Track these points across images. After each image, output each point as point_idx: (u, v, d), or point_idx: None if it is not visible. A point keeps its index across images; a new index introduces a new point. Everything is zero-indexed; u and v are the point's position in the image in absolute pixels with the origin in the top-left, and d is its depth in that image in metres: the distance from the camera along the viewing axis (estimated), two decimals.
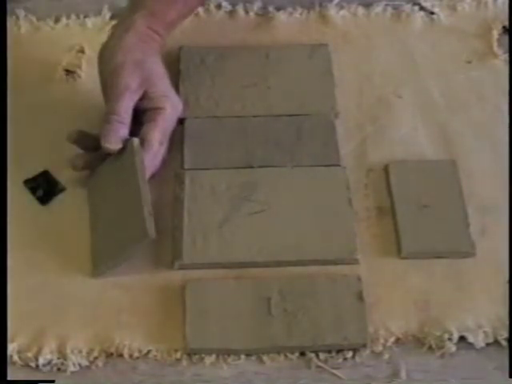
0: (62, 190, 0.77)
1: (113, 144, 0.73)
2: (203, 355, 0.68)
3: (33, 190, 0.77)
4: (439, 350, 0.68)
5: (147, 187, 0.71)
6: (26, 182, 0.77)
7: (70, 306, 0.70)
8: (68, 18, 0.91)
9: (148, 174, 0.74)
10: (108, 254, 0.71)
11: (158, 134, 0.74)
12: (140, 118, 0.75)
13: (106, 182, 0.75)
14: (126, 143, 0.73)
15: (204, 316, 0.69)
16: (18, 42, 0.86)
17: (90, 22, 0.90)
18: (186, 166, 0.78)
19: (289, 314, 0.69)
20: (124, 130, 0.73)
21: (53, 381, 0.66)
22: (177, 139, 0.80)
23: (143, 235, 0.68)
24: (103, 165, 0.75)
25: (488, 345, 0.69)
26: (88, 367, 0.67)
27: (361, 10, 0.91)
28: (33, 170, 0.78)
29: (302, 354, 0.68)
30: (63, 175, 0.78)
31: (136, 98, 0.75)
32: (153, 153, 0.74)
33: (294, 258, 0.72)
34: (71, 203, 0.77)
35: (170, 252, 0.73)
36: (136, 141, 0.72)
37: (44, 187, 0.77)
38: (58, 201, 0.77)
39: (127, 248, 0.70)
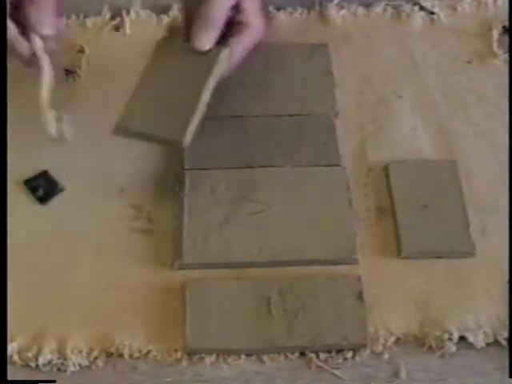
0: (62, 190, 0.77)
1: (203, 44, 0.72)
2: (203, 355, 0.68)
3: (33, 190, 0.77)
4: (439, 350, 0.68)
5: (207, 97, 0.71)
6: (26, 182, 0.77)
7: (70, 306, 0.70)
8: (68, 18, 0.90)
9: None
10: (140, 121, 0.70)
11: (242, 50, 0.74)
12: (227, 30, 0.74)
13: (172, 69, 0.74)
14: (214, 48, 0.73)
15: (204, 316, 0.69)
16: None
17: (90, 22, 0.90)
18: (186, 166, 0.78)
19: (289, 314, 0.69)
20: (216, 32, 0.73)
21: (53, 381, 0.66)
22: None
23: (178, 139, 0.69)
24: (176, 52, 0.74)
25: (488, 345, 0.69)
26: (88, 367, 0.68)
27: (361, 10, 0.91)
28: (33, 170, 0.78)
29: (302, 353, 0.68)
30: (63, 175, 0.78)
31: (231, 2, 0.74)
32: (233, 66, 0.74)
33: (294, 258, 0.72)
34: (71, 203, 0.77)
35: (170, 252, 0.73)
36: (226, 50, 0.73)
37: (44, 187, 0.77)
38: (58, 201, 0.77)
39: (158, 133, 0.69)
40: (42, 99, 0.74)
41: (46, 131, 0.74)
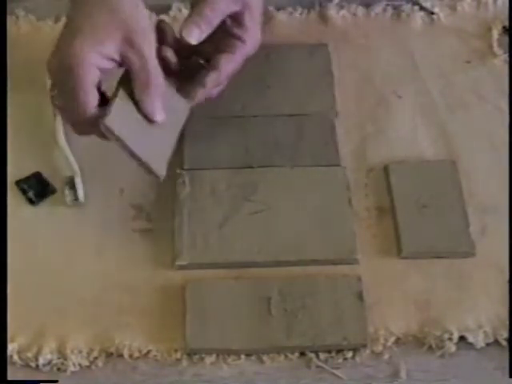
0: (53, 191, 0.77)
1: (191, 36, 0.70)
2: (203, 355, 0.68)
3: (24, 191, 0.76)
4: (439, 350, 0.68)
5: (177, 135, 0.72)
6: (18, 183, 0.77)
7: (70, 306, 0.70)
8: None
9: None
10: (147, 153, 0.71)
11: (231, 69, 0.73)
12: (220, 37, 0.73)
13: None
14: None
15: (204, 316, 0.69)
16: (17, 42, 0.86)
17: None
18: (185, 166, 0.78)
19: (289, 314, 0.69)
20: (207, 31, 0.71)
21: (55, 381, 0.66)
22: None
23: (161, 174, 0.70)
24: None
25: (488, 345, 0.69)
26: (88, 367, 0.68)
27: (361, 10, 0.91)
28: (29, 171, 0.78)
29: (302, 353, 0.68)
30: (56, 177, 0.78)
31: (232, 8, 0.72)
32: (220, 86, 0.75)
33: (294, 258, 0.72)
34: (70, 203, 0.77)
35: (170, 252, 0.73)
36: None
37: (35, 188, 0.76)
38: (58, 201, 0.77)
39: (144, 159, 0.69)
40: (60, 137, 0.79)
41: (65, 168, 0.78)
